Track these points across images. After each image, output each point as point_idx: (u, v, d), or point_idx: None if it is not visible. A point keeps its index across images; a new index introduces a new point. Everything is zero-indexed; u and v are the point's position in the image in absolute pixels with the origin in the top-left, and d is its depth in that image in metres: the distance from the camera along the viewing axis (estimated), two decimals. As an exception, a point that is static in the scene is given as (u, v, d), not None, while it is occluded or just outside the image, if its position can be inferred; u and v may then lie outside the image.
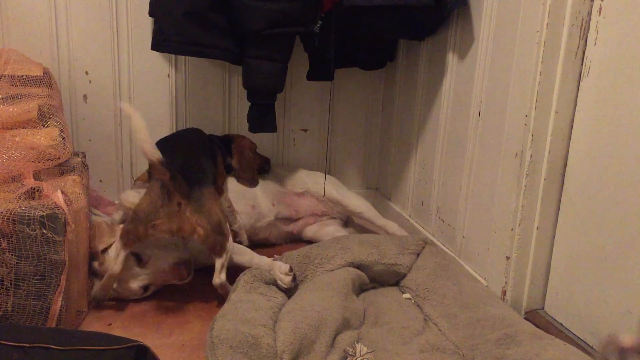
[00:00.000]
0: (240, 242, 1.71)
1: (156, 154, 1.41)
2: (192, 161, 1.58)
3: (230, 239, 1.50)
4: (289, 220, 1.95)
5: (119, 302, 1.52)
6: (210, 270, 1.58)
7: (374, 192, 2.35)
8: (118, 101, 1.98)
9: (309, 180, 1.98)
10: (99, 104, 1.98)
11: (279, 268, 1.47)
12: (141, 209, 1.44)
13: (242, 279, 1.43)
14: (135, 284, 1.50)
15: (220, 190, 1.72)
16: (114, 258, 1.47)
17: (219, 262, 1.47)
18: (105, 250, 1.52)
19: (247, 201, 1.84)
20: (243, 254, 1.58)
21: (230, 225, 1.72)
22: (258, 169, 1.96)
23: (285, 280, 1.45)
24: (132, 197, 1.62)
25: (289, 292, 1.47)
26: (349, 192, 2.01)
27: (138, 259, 1.51)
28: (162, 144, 1.71)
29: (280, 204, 1.92)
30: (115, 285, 1.50)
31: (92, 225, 1.56)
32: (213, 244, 1.46)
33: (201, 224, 1.44)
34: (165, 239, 1.51)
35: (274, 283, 1.47)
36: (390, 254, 1.60)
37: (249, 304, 1.32)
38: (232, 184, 1.85)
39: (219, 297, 1.49)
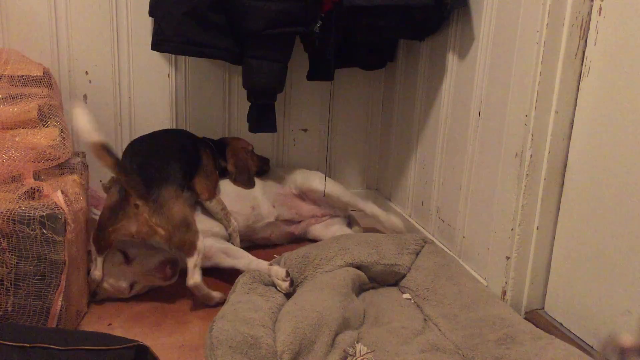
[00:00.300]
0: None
1: (97, 138, 1.32)
2: (152, 161, 1.55)
3: (201, 237, 1.47)
4: (291, 222, 1.95)
5: (119, 302, 1.52)
6: (208, 271, 1.58)
7: (374, 192, 2.35)
8: (117, 99, 1.99)
9: (299, 177, 1.97)
10: (99, 104, 1.98)
11: (276, 274, 1.46)
12: (103, 215, 1.45)
13: (241, 280, 1.43)
14: (121, 282, 1.50)
15: (212, 193, 1.70)
16: (93, 263, 1.48)
17: (190, 262, 1.44)
18: None
19: (247, 202, 1.84)
20: (241, 258, 1.57)
21: (226, 229, 1.72)
22: (257, 170, 1.96)
23: (283, 285, 1.45)
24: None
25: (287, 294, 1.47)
26: (330, 183, 1.97)
27: (125, 256, 1.50)
28: (131, 144, 1.71)
29: (282, 206, 1.92)
30: (103, 285, 1.51)
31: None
32: (179, 243, 1.45)
33: (160, 224, 1.42)
34: (138, 240, 1.50)
35: (273, 284, 1.47)
36: (390, 254, 1.60)
37: (248, 304, 1.32)
38: (230, 186, 1.84)
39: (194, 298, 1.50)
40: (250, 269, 1.50)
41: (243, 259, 1.56)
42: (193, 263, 1.45)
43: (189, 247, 1.45)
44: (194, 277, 1.45)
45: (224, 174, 1.86)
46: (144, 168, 1.51)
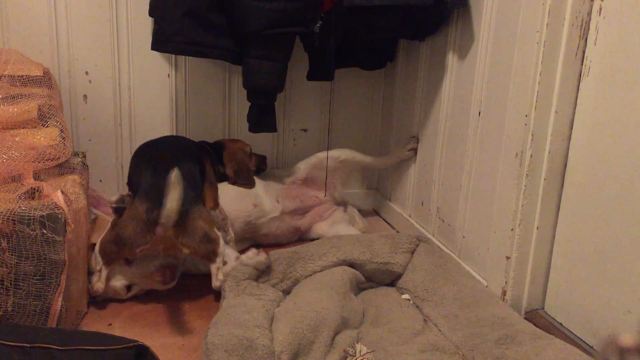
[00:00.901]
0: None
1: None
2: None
3: (221, 241, 1.48)
4: (296, 212, 1.95)
5: (119, 302, 1.52)
6: (206, 277, 1.58)
7: (374, 192, 2.35)
8: (118, 101, 1.98)
9: (302, 164, 2.01)
10: (99, 104, 1.98)
11: (247, 257, 1.47)
12: (126, 234, 1.41)
13: (227, 285, 1.42)
14: (118, 283, 1.50)
15: (217, 202, 1.67)
16: (97, 273, 1.47)
17: (214, 267, 1.45)
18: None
19: (248, 199, 1.84)
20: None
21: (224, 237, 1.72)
22: (256, 170, 1.96)
23: (260, 259, 1.46)
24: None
25: (271, 276, 1.47)
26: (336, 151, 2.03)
27: (126, 258, 1.49)
28: (142, 153, 1.66)
29: (285, 198, 1.93)
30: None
31: (92, 220, 1.58)
32: (204, 254, 1.46)
33: (186, 243, 1.42)
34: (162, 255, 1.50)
35: (257, 276, 1.46)
36: (383, 253, 1.60)
37: (240, 307, 1.31)
38: (230, 187, 1.84)
39: (220, 298, 1.49)
40: (227, 271, 1.49)
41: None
42: (216, 267, 1.45)
43: (212, 255, 1.45)
44: (219, 278, 1.45)
45: (221, 178, 1.85)
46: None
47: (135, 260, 1.50)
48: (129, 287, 1.52)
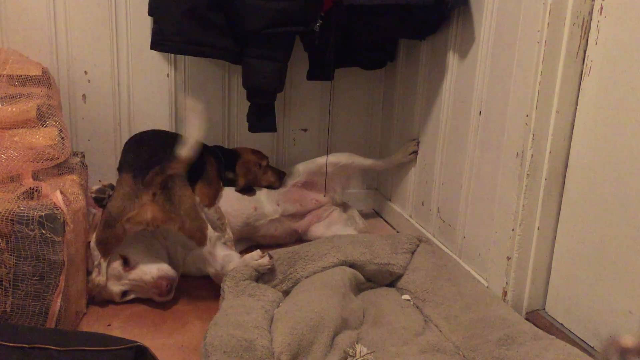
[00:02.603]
0: None
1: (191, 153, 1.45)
2: (159, 153, 1.54)
3: (209, 225, 1.48)
4: (295, 216, 1.95)
5: (119, 303, 1.52)
6: (206, 278, 1.57)
7: (374, 192, 2.35)
8: (117, 100, 1.98)
9: (301, 166, 2.00)
10: (98, 103, 1.97)
11: (251, 257, 1.47)
12: (114, 207, 1.43)
13: (226, 285, 1.41)
14: (115, 287, 1.49)
15: (212, 201, 1.67)
16: (96, 268, 1.47)
17: (206, 251, 1.46)
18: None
19: (249, 203, 1.84)
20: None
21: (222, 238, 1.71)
22: (266, 185, 1.95)
23: (263, 262, 1.45)
24: None
25: (272, 277, 1.47)
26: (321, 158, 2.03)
27: (125, 262, 1.49)
28: (135, 138, 1.67)
29: (286, 202, 1.93)
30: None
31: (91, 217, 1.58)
32: (191, 231, 1.45)
33: (173, 210, 1.43)
34: (142, 230, 1.50)
35: (257, 277, 1.46)
36: (383, 254, 1.59)
37: (239, 308, 1.31)
38: (231, 188, 1.84)
39: (219, 297, 1.49)
40: (229, 270, 1.49)
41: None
42: (208, 251, 1.46)
43: (201, 235, 1.45)
44: (214, 265, 1.46)
45: (228, 183, 1.84)
46: (152, 159, 1.50)
47: (135, 267, 1.49)
48: (124, 293, 1.51)
